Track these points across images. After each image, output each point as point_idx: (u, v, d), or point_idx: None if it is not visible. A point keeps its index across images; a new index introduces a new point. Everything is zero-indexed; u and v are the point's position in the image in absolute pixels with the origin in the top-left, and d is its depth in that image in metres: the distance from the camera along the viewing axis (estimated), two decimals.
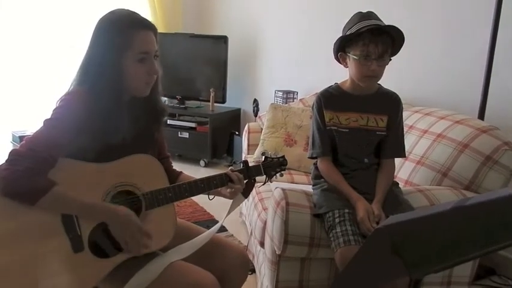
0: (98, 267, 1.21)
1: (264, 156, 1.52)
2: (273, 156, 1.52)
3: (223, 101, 4.06)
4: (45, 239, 1.16)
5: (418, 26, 2.61)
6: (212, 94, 3.98)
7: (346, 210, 1.54)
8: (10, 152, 1.12)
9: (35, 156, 1.12)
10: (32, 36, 3.80)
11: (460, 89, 2.46)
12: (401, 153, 1.73)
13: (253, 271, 2.05)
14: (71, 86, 1.27)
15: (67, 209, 1.19)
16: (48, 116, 1.20)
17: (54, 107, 1.22)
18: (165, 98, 4.31)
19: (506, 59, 2.18)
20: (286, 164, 1.54)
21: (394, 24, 1.53)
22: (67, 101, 1.21)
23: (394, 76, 1.73)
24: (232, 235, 2.59)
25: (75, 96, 1.23)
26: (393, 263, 0.73)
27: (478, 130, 1.79)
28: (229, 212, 1.48)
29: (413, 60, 2.61)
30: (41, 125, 1.19)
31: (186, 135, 4.01)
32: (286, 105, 3.07)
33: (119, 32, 1.22)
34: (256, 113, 3.74)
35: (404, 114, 1.85)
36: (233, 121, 4.21)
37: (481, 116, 2.14)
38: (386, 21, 1.57)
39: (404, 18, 2.32)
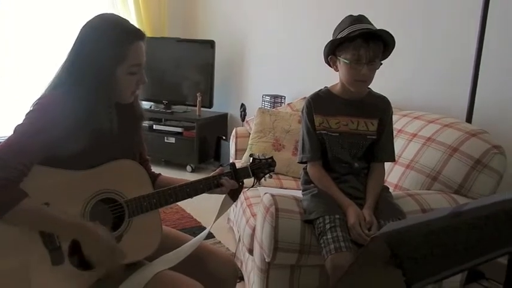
0: (80, 280, 1.15)
1: (251, 158, 1.49)
2: (261, 158, 1.49)
3: (210, 106, 4.02)
4: (23, 252, 1.10)
5: (405, 30, 2.61)
6: (199, 99, 3.94)
7: (337, 216, 1.50)
8: None
9: (5, 166, 1.06)
10: (11, 36, 3.71)
11: (447, 93, 2.47)
12: (392, 157, 1.71)
13: (241, 279, 2.01)
14: (46, 90, 1.22)
15: (36, 224, 1.12)
16: (20, 122, 1.14)
17: (27, 111, 1.16)
18: (151, 103, 4.25)
19: (493, 63, 2.19)
20: (275, 165, 1.51)
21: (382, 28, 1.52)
22: (41, 105, 1.16)
23: (381, 80, 1.71)
24: (219, 242, 2.54)
25: (51, 100, 1.17)
26: (391, 272, 0.70)
27: (467, 133, 1.78)
28: (217, 217, 1.44)
29: (400, 64, 2.61)
30: (12, 131, 1.12)
31: (172, 140, 3.96)
32: (274, 109, 3.04)
33: (114, 43, 1.18)
34: (243, 118, 3.71)
35: (393, 118, 1.82)
36: (220, 126, 4.17)
37: (469, 119, 2.14)
38: (374, 25, 1.55)
39: (390, 22, 2.31)
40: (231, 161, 2.88)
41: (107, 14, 1.26)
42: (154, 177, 1.45)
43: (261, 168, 1.48)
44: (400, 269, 0.68)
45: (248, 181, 1.47)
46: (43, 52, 3.79)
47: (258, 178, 1.48)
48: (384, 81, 1.82)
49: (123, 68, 1.20)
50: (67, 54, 1.24)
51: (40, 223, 1.12)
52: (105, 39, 1.19)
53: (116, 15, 1.27)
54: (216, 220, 1.43)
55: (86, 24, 1.23)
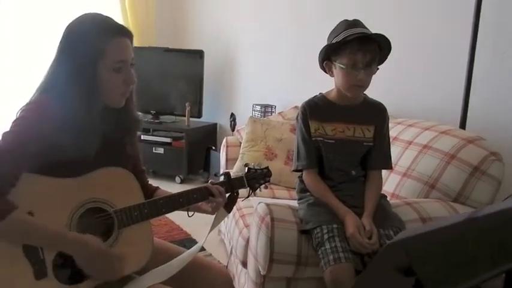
0: None
1: (247, 168, 1.44)
2: (256, 168, 1.44)
3: (199, 116, 3.97)
4: (2, 265, 1.02)
5: (398, 36, 2.60)
6: (188, 108, 3.87)
7: (335, 226, 1.45)
8: None
9: None
10: (11, 36, 3.63)
11: (440, 100, 2.45)
12: (389, 164, 1.68)
13: None
14: (33, 95, 1.15)
15: (27, 239, 1.05)
16: (8, 129, 1.07)
17: (14, 118, 1.09)
18: (139, 113, 4.17)
19: (486, 69, 2.18)
20: (271, 176, 1.47)
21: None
22: (29, 111, 1.09)
23: (375, 88, 1.68)
24: (210, 254, 2.46)
25: (38, 106, 1.11)
26: (405, 281, 0.65)
27: (464, 140, 1.76)
28: (211, 229, 1.39)
29: (393, 71, 2.59)
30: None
31: (161, 150, 3.88)
32: (265, 118, 3.00)
33: (93, 39, 1.13)
34: (233, 128, 3.66)
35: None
36: (209, 136, 4.10)
37: (463, 126, 2.12)
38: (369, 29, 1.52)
39: (384, 27, 2.30)
40: (221, 171, 2.82)
41: (89, 13, 1.20)
42: (152, 191, 1.39)
43: (257, 178, 1.43)
44: (415, 277, 0.63)
45: (243, 192, 1.43)
46: (43, 52, 3.67)
47: (253, 189, 1.43)
48: (376, 88, 1.79)
49: (104, 64, 1.13)
50: (53, 57, 1.18)
51: (30, 238, 1.05)
52: (86, 36, 1.13)
53: (98, 13, 1.21)
54: (209, 233, 1.38)
55: (68, 25, 1.18)
